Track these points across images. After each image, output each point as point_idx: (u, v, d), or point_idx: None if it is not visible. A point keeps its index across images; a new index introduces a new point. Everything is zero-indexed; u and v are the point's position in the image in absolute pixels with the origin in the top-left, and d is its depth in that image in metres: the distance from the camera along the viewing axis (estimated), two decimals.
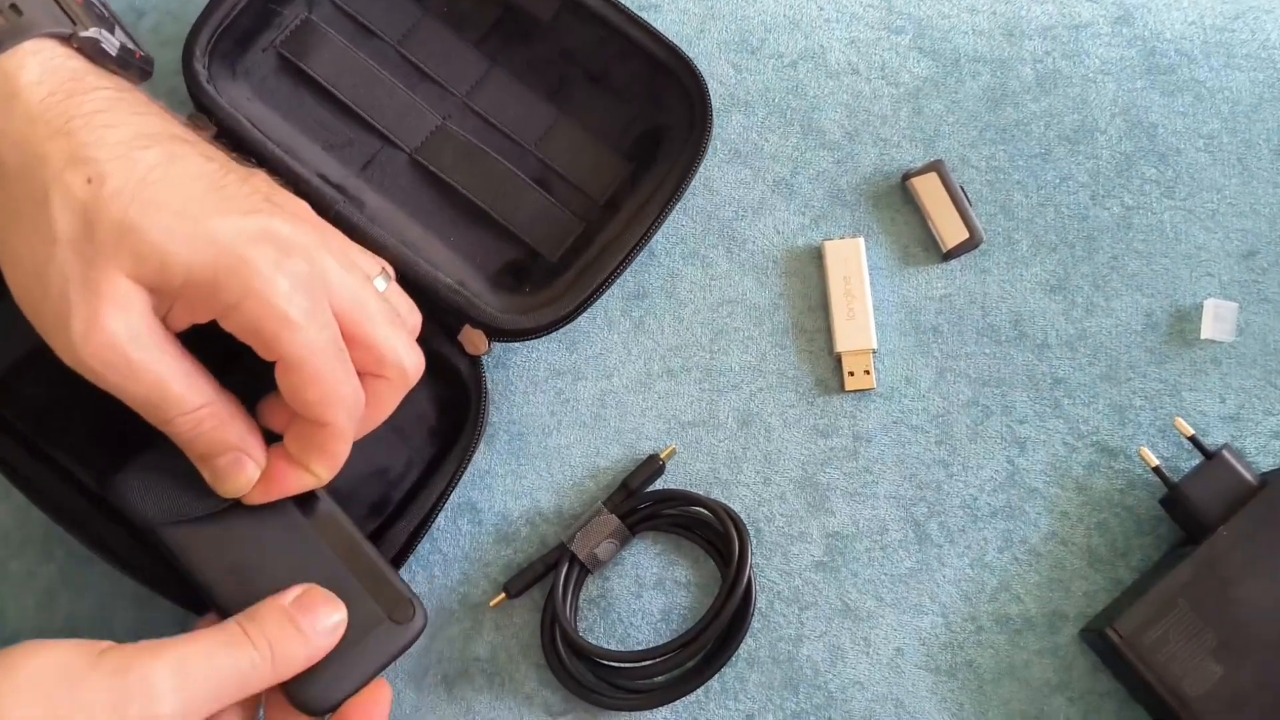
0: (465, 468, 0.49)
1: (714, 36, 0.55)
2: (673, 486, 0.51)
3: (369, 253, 0.45)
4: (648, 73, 0.52)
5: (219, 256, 0.38)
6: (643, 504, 0.50)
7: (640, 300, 0.53)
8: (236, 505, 0.42)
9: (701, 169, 0.53)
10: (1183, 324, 0.53)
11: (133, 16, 0.55)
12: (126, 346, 0.38)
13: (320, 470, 0.42)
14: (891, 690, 0.49)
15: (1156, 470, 0.49)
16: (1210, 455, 0.49)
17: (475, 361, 0.49)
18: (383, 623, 0.42)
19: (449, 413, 0.50)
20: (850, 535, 0.51)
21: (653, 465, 0.50)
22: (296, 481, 0.42)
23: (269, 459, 0.42)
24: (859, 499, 0.51)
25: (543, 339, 0.51)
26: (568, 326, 0.50)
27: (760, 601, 0.50)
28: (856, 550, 0.51)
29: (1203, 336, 0.52)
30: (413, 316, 0.45)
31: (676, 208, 0.52)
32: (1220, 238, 0.53)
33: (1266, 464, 0.51)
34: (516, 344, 0.52)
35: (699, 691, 0.49)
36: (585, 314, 0.52)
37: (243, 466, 0.42)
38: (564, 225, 0.51)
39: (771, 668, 0.50)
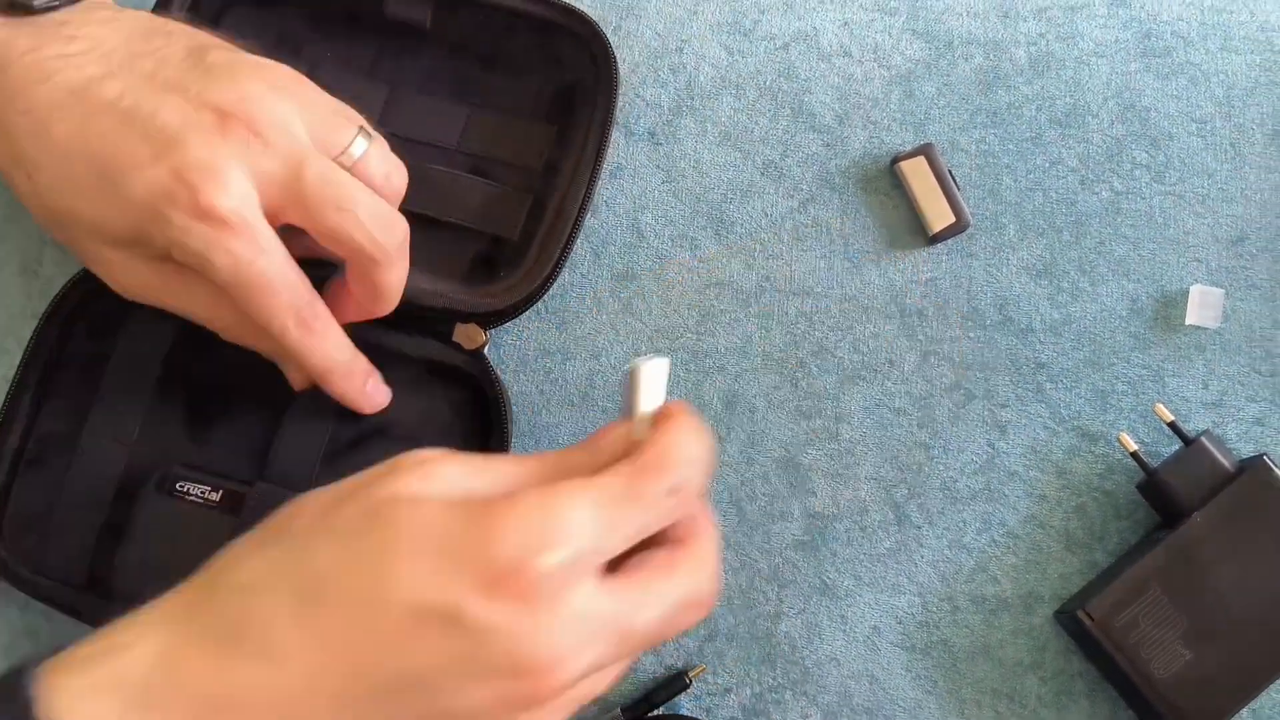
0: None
1: (706, 18, 0.55)
2: (689, 715, 0.50)
3: (342, 113, 0.44)
4: (537, 38, 0.53)
5: (139, 215, 0.40)
6: None
7: (629, 282, 0.54)
8: None
9: (690, 151, 0.54)
10: (1168, 310, 0.53)
11: None
12: (143, 292, 0.44)
13: (295, 376, 0.47)
14: (867, 667, 0.51)
15: (1135, 455, 0.50)
16: (1189, 441, 0.50)
17: (479, 356, 0.51)
18: None
19: (470, 413, 0.51)
20: (830, 515, 0.52)
21: (679, 682, 0.49)
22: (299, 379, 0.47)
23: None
24: (840, 480, 0.52)
25: (532, 320, 0.53)
26: (557, 305, 0.52)
27: (740, 579, 0.51)
28: (836, 530, 0.52)
29: (1188, 322, 0.52)
30: (395, 177, 0.45)
31: (665, 189, 0.53)
32: (1209, 223, 0.53)
33: (1248, 451, 0.52)
34: (507, 326, 0.53)
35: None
36: (574, 295, 0.53)
37: (289, 370, 0.48)
38: (513, 203, 0.52)
39: (749, 644, 0.51)
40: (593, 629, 0.33)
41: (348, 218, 0.41)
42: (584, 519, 0.33)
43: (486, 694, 0.32)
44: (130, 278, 0.43)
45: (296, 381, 0.47)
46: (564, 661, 0.32)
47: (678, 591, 0.35)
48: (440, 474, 0.35)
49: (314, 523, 0.34)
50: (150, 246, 0.42)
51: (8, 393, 0.49)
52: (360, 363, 0.46)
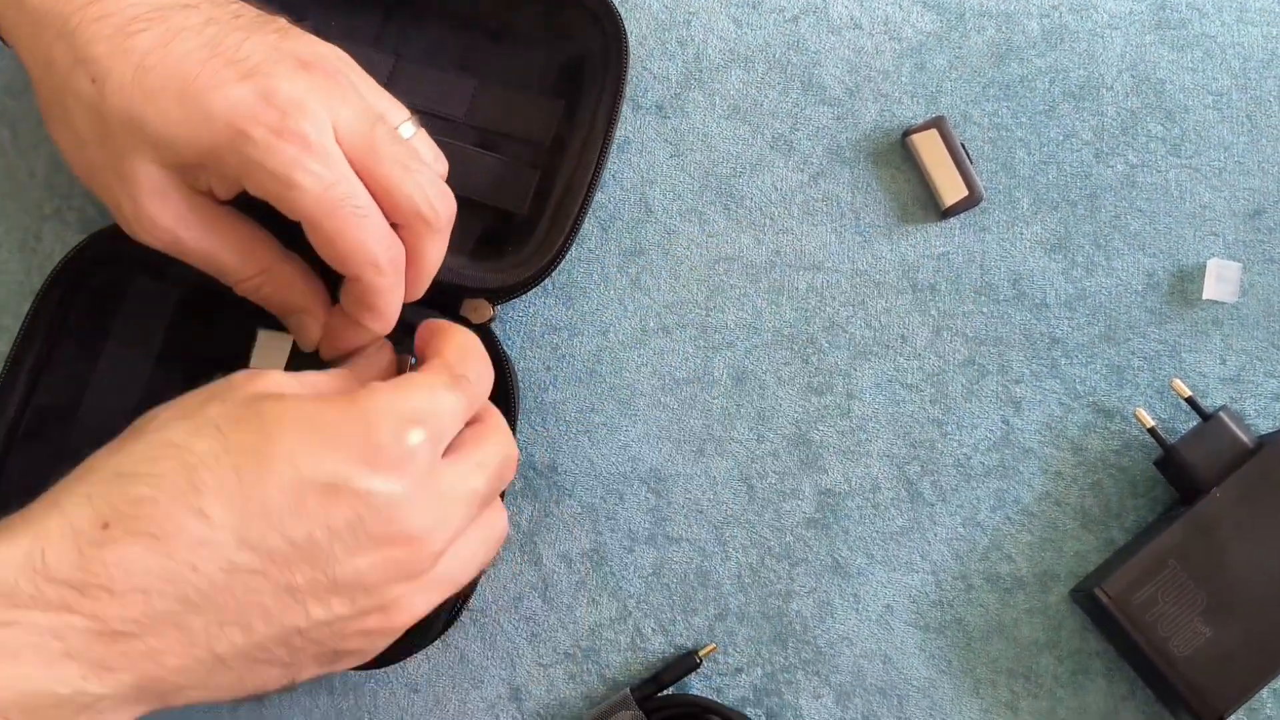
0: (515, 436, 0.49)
1: None
2: (700, 695, 0.50)
3: (393, 99, 0.44)
4: (545, 10, 0.52)
5: (217, 133, 0.39)
6: (670, 704, 0.49)
7: (637, 257, 0.53)
8: None
9: (699, 124, 0.53)
10: (1185, 284, 0.52)
11: None
12: (173, 227, 0.41)
13: (370, 324, 0.43)
14: (880, 646, 0.50)
15: (1152, 431, 0.49)
16: (1207, 417, 0.49)
17: (486, 330, 0.50)
18: None
19: None
20: (842, 493, 0.51)
21: (688, 662, 0.49)
22: (354, 336, 0.44)
23: (330, 317, 0.45)
24: (852, 457, 0.51)
25: (539, 296, 0.52)
26: (564, 281, 0.51)
27: (751, 557, 0.50)
28: (848, 508, 0.51)
29: (1205, 297, 0.51)
30: (439, 163, 0.46)
31: (674, 163, 0.52)
32: (1226, 196, 0.52)
33: (1266, 426, 0.51)
34: (514, 301, 0.52)
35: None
36: (581, 271, 0.52)
37: (306, 325, 0.45)
38: (522, 178, 0.51)
39: (761, 623, 0.50)
40: (456, 497, 0.38)
41: (412, 176, 0.42)
42: (434, 404, 0.38)
43: (374, 560, 0.36)
44: (164, 210, 0.41)
45: (310, 340, 0.46)
46: (435, 530, 0.37)
47: (496, 453, 0.40)
48: (278, 379, 0.38)
49: (178, 420, 0.36)
50: (211, 169, 0.40)
51: (4, 365, 0.48)
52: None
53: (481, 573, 0.44)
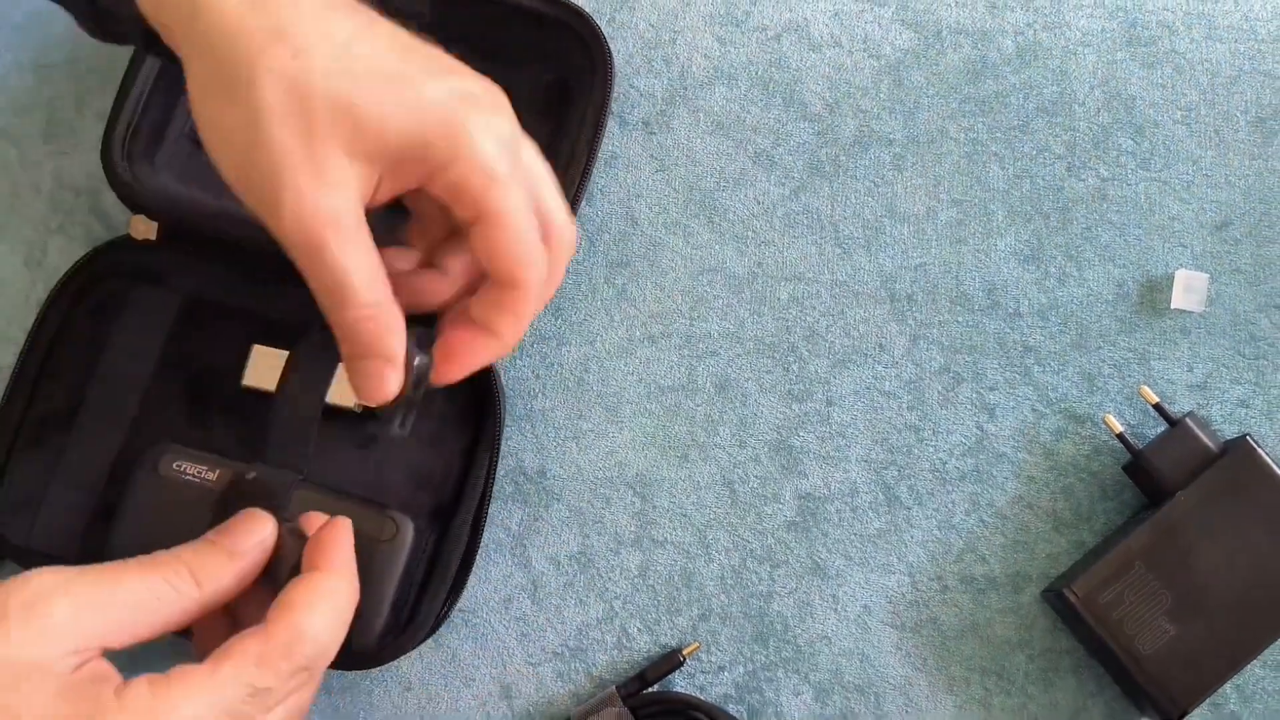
0: (499, 448, 0.51)
1: (700, 9, 0.56)
2: (684, 692, 0.51)
3: None
4: (531, 31, 0.53)
5: (430, 119, 0.38)
6: (655, 701, 0.50)
7: (623, 268, 0.55)
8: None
9: (684, 140, 0.55)
10: (1154, 294, 0.54)
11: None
12: (329, 227, 0.37)
13: (506, 333, 0.41)
14: (857, 645, 0.52)
15: (1120, 437, 0.51)
16: (1174, 423, 0.51)
17: None
18: (377, 547, 0.45)
19: (465, 398, 0.52)
20: (822, 497, 0.53)
21: (672, 660, 0.51)
22: (483, 348, 0.42)
23: (450, 334, 0.42)
24: (831, 462, 0.53)
25: None
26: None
27: (733, 559, 0.52)
28: (827, 511, 0.53)
29: (1173, 307, 0.53)
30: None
31: (658, 176, 0.54)
32: (1194, 209, 0.54)
33: (1232, 432, 0.52)
34: None
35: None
36: (569, 282, 0.54)
37: (385, 378, 0.41)
38: None
39: (743, 622, 0.52)
40: None
41: (550, 192, 0.42)
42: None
43: None
44: (333, 205, 0.38)
45: (382, 394, 0.41)
46: None
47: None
48: (51, 623, 0.35)
49: None
50: (406, 163, 0.39)
51: (13, 372, 0.50)
52: None
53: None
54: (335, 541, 0.40)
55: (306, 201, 0.37)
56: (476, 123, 0.39)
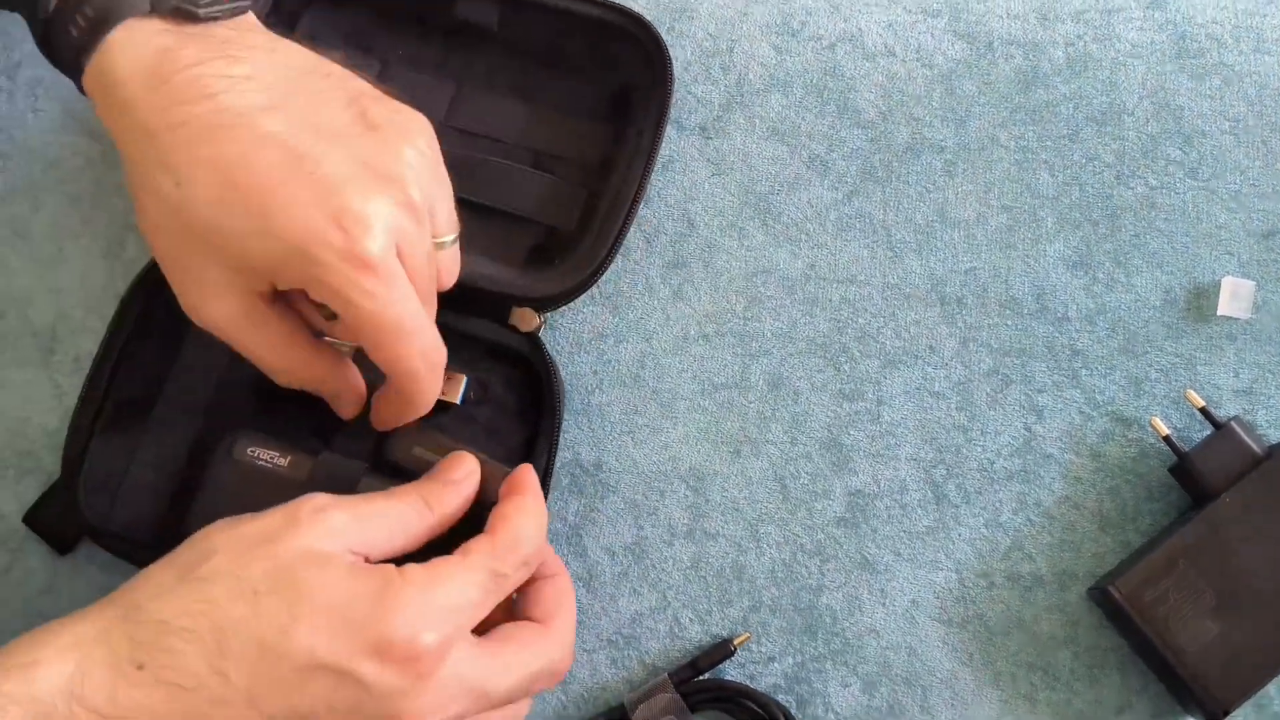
0: (558, 441, 0.52)
1: (757, 19, 0.58)
2: (734, 680, 0.52)
3: (452, 208, 0.47)
4: (595, 40, 0.55)
5: (288, 250, 0.41)
6: (706, 689, 0.52)
7: (679, 269, 0.56)
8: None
9: (740, 145, 0.57)
10: (1200, 301, 0.55)
11: None
12: (224, 324, 0.44)
13: (409, 414, 0.48)
14: (905, 639, 0.53)
15: (1167, 439, 0.52)
16: (1219, 426, 0.52)
17: (534, 338, 0.53)
18: None
19: (525, 392, 0.54)
20: (871, 494, 0.54)
21: (723, 650, 0.52)
22: (397, 417, 0.48)
23: (378, 400, 0.49)
24: (881, 460, 0.54)
25: (587, 304, 0.55)
26: (611, 291, 0.55)
27: (783, 553, 0.54)
28: (877, 508, 0.54)
29: (1219, 313, 0.54)
30: (453, 276, 0.49)
31: (715, 181, 0.56)
32: (1241, 218, 0.55)
33: (1276, 436, 0.53)
34: (563, 310, 0.55)
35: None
36: (626, 281, 0.55)
37: (340, 406, 0.50)
38: (570, 196, 0.55)
39: (793, 615, 0.53)
40: (459, 689, 0.40)
41: (431, 293, 0.46)
42: (458, 600, 0.41)
43: None
44: (220, 308, 0.44)
45: (347, 412, 0.50)
46: (439, 704, 0.40)
47: (535, 664, 0.43)
48: (333, 525, 0.41)
49: (225, 572, 0.40)
50: (274, 277, 0.43)
51: (94, 359, 0.52)
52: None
53: None
54: (527, 473, 0.46)
55: (196, 308, 0.44)
56: (330, 252, 0.41)
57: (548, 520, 0.45)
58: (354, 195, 0.41)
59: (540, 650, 0.43)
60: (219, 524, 0.42)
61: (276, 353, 0.46)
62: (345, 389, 0.49)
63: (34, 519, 0.53)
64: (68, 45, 0.42)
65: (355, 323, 0.42)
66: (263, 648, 0.38)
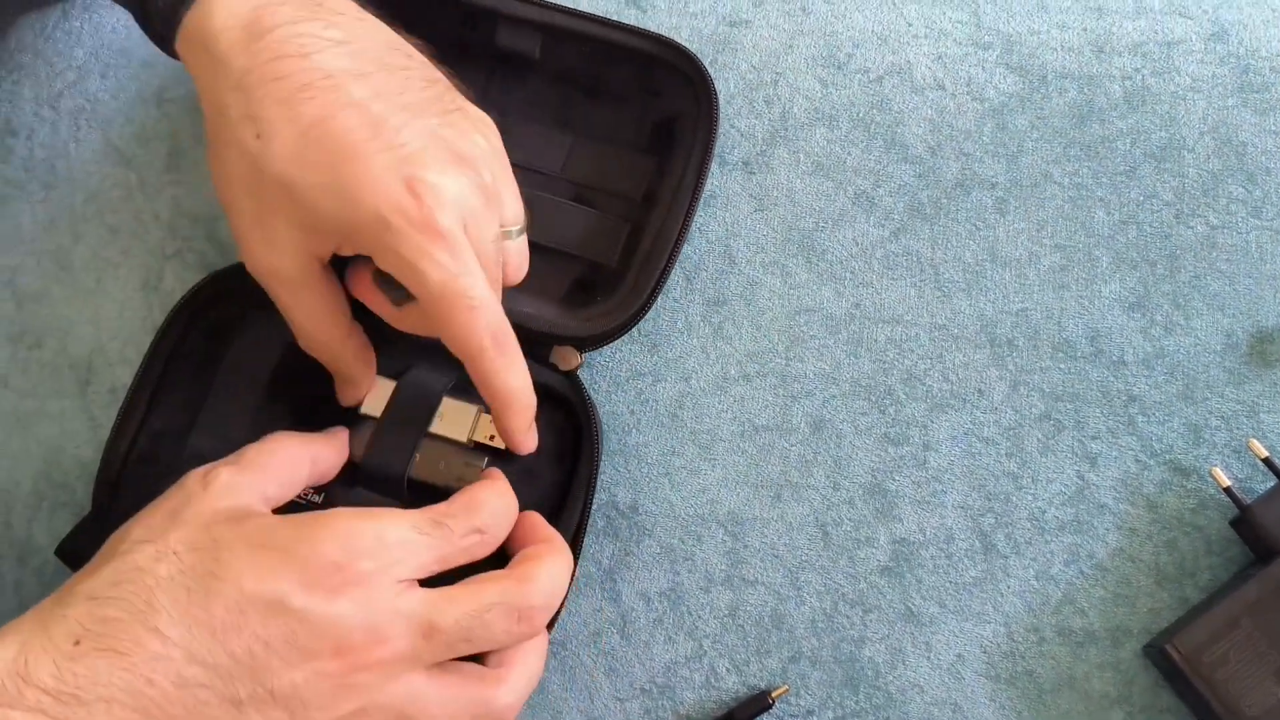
0: (595, 483, 0.51)
1: (802, 52, 0.57)
2: None
3: (518, 196, 0.47)
4: (639, 70, 0.54)
5: (361, 214, 0.42)
6: None
7: (720, 307, 0.55)
8: None
9: (783, 180, 0.55)
10: (1264, 345, 0.52)
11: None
12: (280, 280, 0.45)
13: (490, 401, 0.46)
14: (950, 695, 0.51)
15: (1228, 491, 0.50)
16: None
17: (573, 378, 0.52)
18: None
19: (564, 433, 0.52)
20: (917, 542, 0.52)
21: (760, 702, 0.50)
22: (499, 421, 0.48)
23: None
24: (927, 507, 0.52)
25: (625, 342, 0.54)
26: (649, 329, 0.53)
27: (825, 602, 0.52)
28: (922, 557, 0.52)
29: None
30: (521, 271, 0.49)
31: (758, 217, 0.54)
32: None
33: None
34: (603, 348, 0.54)
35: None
36: (665, 319, 0.54)
37: (345, 393, 0.50)
38: (612, 231, 0.54)
39: (833, 667, 0.51)
40: (390, 615, 0.39)
41: (497, 279, 0.46)
42: (392, 535, 0.41)
43: (306, 674, 0.38)
44: (278, 258, 0.45)
45: (346, 397, 0.50)
46: (368, 644, 0.39)
47: (487, 600, 0.41)
48: (225, 482, 0.42)
49: (145, 542, 0.40)
50: (341, 240, 0.44)
51: (129, 390, 0.51)
52: (534, 400, 0.47)
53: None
54: (495, 471, 0.48)
55: (256, 257, 0.45)
56: (402, 219, 0.42)
57: (514, 508, 0.45)
58: (430, 167, 0.42)
59: (494, 589, 0.42)
60: (132, 518, 0.42)
61: (315, 320, 0.46)
62: (357, 376, 0.49)
63: (66, 551, 0.53)
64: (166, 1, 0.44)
65: (422, 293, 0.42)
66: (191, 597, 0.38)
